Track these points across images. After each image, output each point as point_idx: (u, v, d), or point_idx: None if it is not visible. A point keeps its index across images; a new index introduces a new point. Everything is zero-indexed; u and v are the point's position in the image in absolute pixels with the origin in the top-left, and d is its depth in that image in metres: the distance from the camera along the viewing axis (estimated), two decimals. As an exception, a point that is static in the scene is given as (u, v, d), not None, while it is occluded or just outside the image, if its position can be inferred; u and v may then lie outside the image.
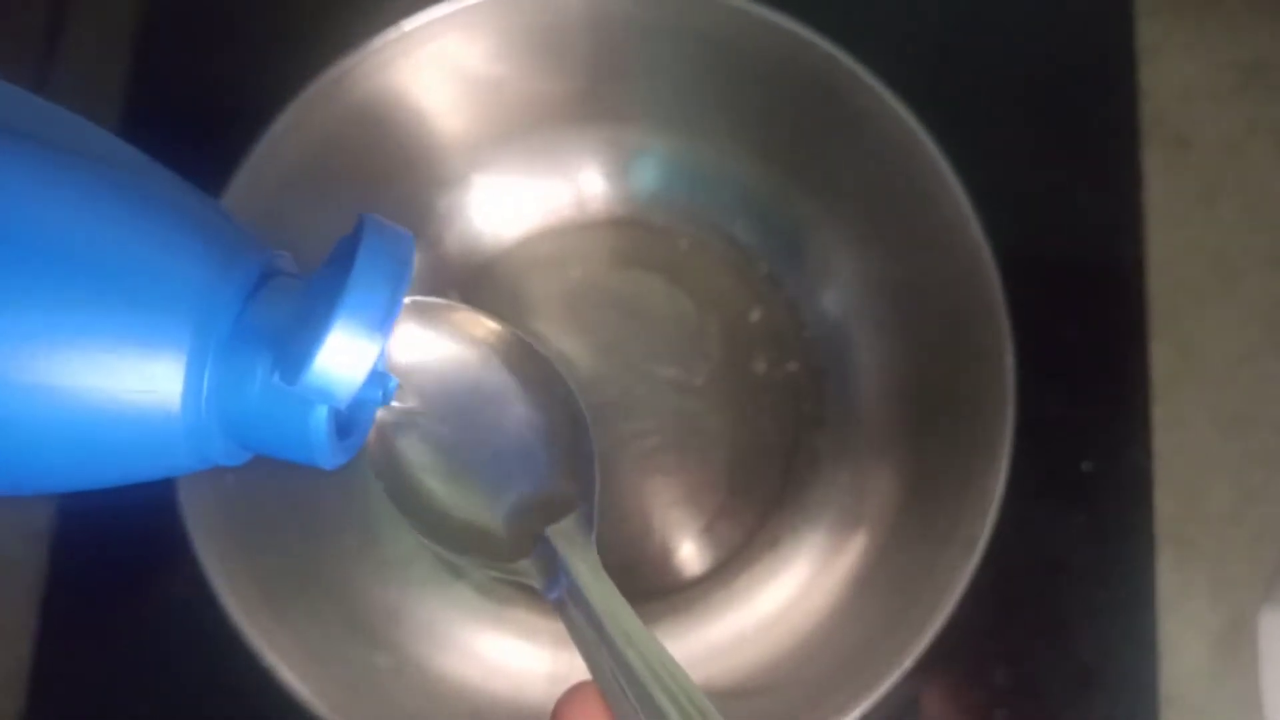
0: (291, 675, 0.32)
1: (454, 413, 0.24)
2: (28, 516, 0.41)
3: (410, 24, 0.36)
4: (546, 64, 0.39)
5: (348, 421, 0.20)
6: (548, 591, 0.22)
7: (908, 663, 0.32)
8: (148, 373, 0.17)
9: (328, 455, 0.19)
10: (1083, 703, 0.40)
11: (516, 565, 0.23)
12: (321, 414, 0.18)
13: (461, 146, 0.40)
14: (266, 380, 0.18)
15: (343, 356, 0.17)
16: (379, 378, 0.20)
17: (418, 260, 0.44)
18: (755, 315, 0.42)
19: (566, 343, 0.42)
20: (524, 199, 0.42)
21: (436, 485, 0.24)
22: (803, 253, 0.41)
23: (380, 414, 0.23)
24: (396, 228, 0.19)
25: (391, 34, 0.36)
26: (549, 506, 0.23)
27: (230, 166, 0.36)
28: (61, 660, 0.41)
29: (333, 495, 0.39)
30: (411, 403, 0.23)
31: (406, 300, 0.23)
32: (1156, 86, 0.45)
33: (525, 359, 0.24)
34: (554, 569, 0.22)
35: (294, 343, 0.17)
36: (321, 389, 0.17)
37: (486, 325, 0.24)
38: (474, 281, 0.42)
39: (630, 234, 0.43)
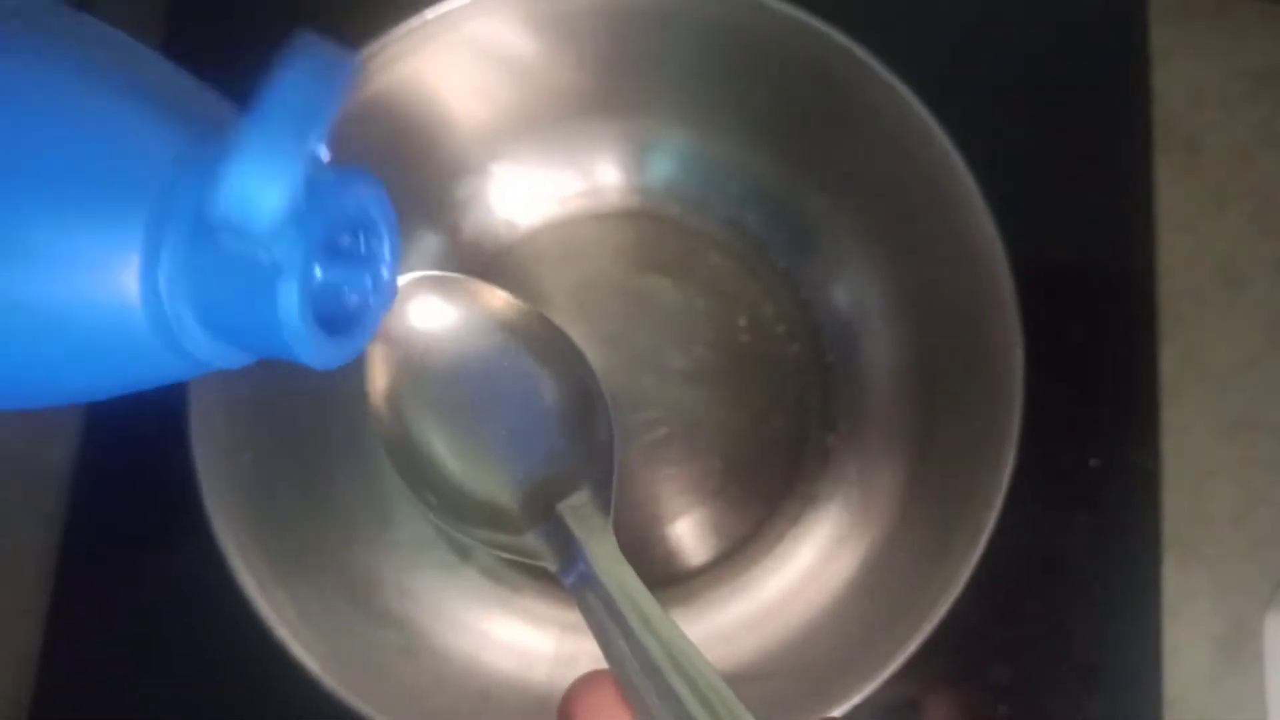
0: (302, 650, 0.33)
1: (469, 386, 0.23)
2: (40, 496, 0.42)
3: (433, 12, 0.36)
4: (564, 55, 0.39)
5: (337, 315, 0.18)
6: (564, 575, 0.21)
7: (910, 649, 0.32)
8: (101, 255, 0.15)
9: (307, 343, 0.17)
10: (1084, 702, 0.40)
11: (530, 546, 0.22)
12: (292, 288, 0.16)
13: (480, 135, 0.41)
14: (227, 252, 0.16)
15: (252, 177, 0.15)
16: (365, 260, 0.19)
17: (435, 245, 0.45)
18: (766, 308, 0.42)
19: (576, 332, 0.41)
20: (539, 189, 0.43)
21: (449, 459, 0.23)
22: (814, 246, 0.42)
23: (391, 381, 0.22)
24: (331, 45, 0.16)
25: (414, 22, 0.36)
26: (564, 485, 0.23)
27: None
28: (73, 640, 0.41)
29: (348, 478, 0.39)
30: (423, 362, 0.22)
31: (424, 274, 0.23)
32: (1168, 92, 0.45)
33: (545, 335, 0.23)
34: (569, 551, 0.21)
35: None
36: (236, 214, 0.15)
37: (505, 300, 0.24)
38: (488, 269, 0.42)
39: (643, 226, 0.43)
